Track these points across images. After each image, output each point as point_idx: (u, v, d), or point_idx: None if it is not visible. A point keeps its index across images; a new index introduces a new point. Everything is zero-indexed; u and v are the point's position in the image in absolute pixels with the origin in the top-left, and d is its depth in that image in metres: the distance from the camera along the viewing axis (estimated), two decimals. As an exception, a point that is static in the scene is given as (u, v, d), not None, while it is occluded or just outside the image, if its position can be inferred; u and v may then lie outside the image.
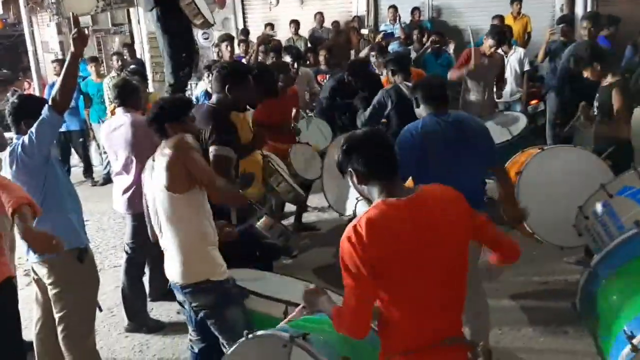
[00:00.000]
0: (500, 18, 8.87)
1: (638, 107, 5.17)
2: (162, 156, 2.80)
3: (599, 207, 3.56)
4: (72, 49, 3.04)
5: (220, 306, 2.83)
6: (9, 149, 3.17)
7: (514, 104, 7.58)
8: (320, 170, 5.24)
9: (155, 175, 2.84)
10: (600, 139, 4.53)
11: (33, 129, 3.02)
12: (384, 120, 5.10)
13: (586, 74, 4.52)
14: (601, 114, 4.44)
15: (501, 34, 6.33)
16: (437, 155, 3.16)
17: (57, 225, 3.06)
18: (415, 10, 10.59)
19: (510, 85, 7.42)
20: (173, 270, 2.85)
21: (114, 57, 9.18)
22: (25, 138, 3.05)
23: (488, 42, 6.19)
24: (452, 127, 3.23)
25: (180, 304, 3.13)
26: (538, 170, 4.19)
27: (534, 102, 7.75)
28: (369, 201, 2.12)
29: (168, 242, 2.86)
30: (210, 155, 3.41)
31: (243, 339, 2.39)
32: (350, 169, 2.08)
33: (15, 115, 3.26)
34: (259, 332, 2.42)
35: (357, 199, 3.89)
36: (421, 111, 3.38)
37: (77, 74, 3.18)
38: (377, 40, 8.83)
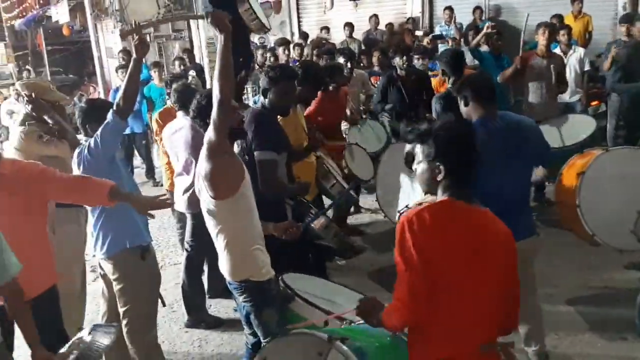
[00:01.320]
0: (559, 17, 8.64)
1: None
2: (203, 160, 2.82)
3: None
4: (134, 55, 3.19)
5: (258, 305, 2.92)
6: (77, 150, 3.36)
7: (574, 105, 7.38)
8: (373, 172, 5.28)
9: (199, 180, 2.90)
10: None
11: (98, 133, 3.19)
12: None
13: None
14: None
15: (550, 25, 6.18)
16: (490, 166, 3.00)
17: (121, 224, 3.24)
18: (476, 9, 10.44)
19: (570, 86, 7.23)
20: (222, 267, 2.96)
21: (176, 62, 9.49)
22: (92, 141, 3.22)
23: (539, 37, 6.06)
24: (501, 134, 3.08)
25: (235, 299, 3.23)
26: (601, 171, 4.10)
27: (594, 103, 7.53)
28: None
29: (215, 241, 2.95)
30: (256, 162, 3.47)
31: (281, 336, 2.45)
32: (438, 163, 2.00)
33: (84, 118, 3.44)
34: (298, 331, 2.48)
35: (407, 206, 3.87)
36: (469, 111, 3.20)
37: (139, 79, 3.31)
38: (425, 42, 8.71)
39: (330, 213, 4.35)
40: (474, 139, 2.05)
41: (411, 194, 4.27)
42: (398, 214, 4.00)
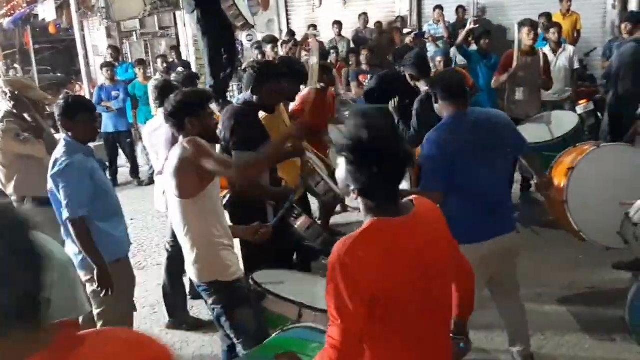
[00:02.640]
0: (548, 15, 8.60)
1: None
2: (173, 159, 2.79)
3: (649, 214, 3.40)
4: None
5: (229, 306, 2.84)
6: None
7: (564, 103, 7.36)
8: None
9: (166, 176, 2.85)
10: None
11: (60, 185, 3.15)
12: None
13: None
14: None
15: (534, 23, 6.17)
16: (465, 161, 2.99)
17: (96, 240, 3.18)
18: (459, 8, 10.41)
19: (560, 84, 7.21)
20: (189, 268, 2.89)
21: (159, 60, 9.40)
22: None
23: (524, 34, 6.04)
24: (475, 127, 3.08)
25: (205, 301, 3.16)
26: (591, 167, 4.07)
27: (583, 101, 7.50)
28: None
29: (181, 242, 2.88)
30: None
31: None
32: (347, 184, 1.84)
33: (61, 116, 3.34)
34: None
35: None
36: (441, 108, 3.21)
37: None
38: (408, 41, 8.61)
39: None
40: (381, 151, 1.81)
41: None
42: None
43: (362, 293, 1.69)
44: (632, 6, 10.03)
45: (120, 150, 9.01)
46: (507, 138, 3.18)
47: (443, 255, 1.90)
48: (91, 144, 3.50)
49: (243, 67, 6.72)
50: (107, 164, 8.51)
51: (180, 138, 2.91)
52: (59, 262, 2.33)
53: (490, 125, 3.14)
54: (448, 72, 3.94)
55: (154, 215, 7.00)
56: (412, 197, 1.96)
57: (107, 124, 8.71)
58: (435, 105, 3.26)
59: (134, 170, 9.03)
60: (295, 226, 3.65)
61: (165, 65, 9.04)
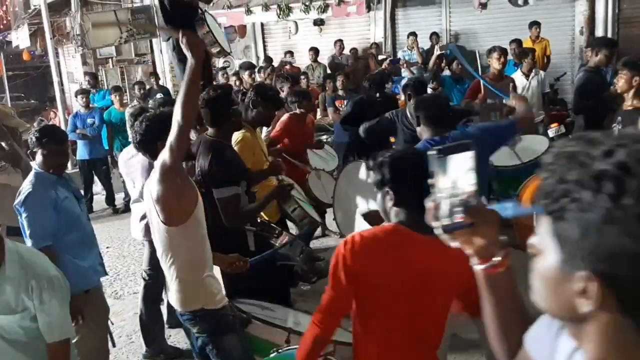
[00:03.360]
0: (518, 42, 8.83)
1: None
2: (153, 185, 2.70)
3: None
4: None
5: (216, 334, 2.80)
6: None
7: (536, 127, 7.50)
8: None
9: (149, 203, 2.78)
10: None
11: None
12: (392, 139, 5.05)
13: (620, 80, 4.26)
14: None
15: (503, 50, 6.33)
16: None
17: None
18: (433, 35, 10.63)
19: (533, 108, 7.38)
20: (172, 297, 2.84)
21: (136, 87, 9.39)
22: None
23: (493, 61, 6.18)
24: None
25: (185, 330, 3.11)
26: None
27: (554, 125, 7.66)
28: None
29: (165, 270, 2.83)
30: (216, 200, 3.37)
31: None
32: (388, 189, 2.02)
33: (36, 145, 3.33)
34: None
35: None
36: (421, 131, 3.28)
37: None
38: (383, 66, 8.81)
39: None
40: (423, 167, 1.94)
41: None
42: None
43: (352, 271, 1.90)
44: (599, 32, 10.36)
45: (95, 178, 8.93)
46: (483, 146, 3.19)
47: (444, 288, 1.97)
48: (66, 172, 3.48)
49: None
50: (83, 191, 8.42)
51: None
52: (58, 281, 2.32)
53: None
54: (432, 97, 3.99)
55: (130, 243, 6.92)
56: None
57: (82, 152, 8.64)
58: (417, 128, 3.32)
59: (110, 198, 8.93)
60: (277, 245, 3.65)
61: (142, 91, 9.03)
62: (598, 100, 5.27)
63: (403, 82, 7.38)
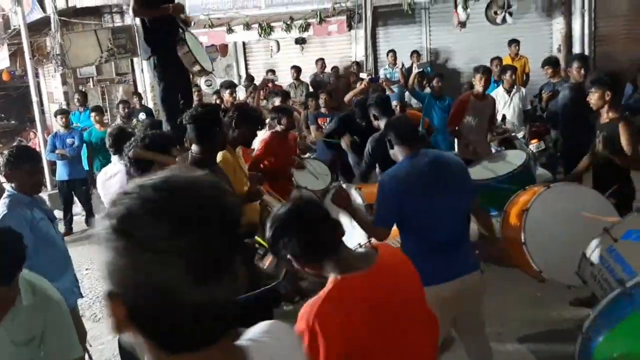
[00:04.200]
0: (499, 60, 8.94)
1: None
2: None
3: (604, 253, 3.45)
4: None
5: None
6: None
7: (518, 142, 7.57)
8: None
9: None
10: (603, 177, 4.49)
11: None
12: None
13: (593, 97, 4.39)
14: (609, 149, 4.36)
15: (487, 70, 6.39)
16: (418, 202, 3.03)
17: None
18: (414, 53, 10.73)
19: (514, 124, 7.48)
20: None
21: (120, 105, 9.33)
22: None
23: (476, 81, 6.26)
24: (430, 168, 3.11)
25: None
26: (544, 208, 4.12)
27: (534, 141, 7.73)
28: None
29: None
30: None
31: None
32: (288, 256, 1.86)
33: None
34: None
35: (359, 244, 3.82)
36: (396, 152, 3.27)
37: None
38: (362, 86, 8.85)
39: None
40: (310, 208, 1.90)
41: (352, 233, 4.21)
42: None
43: (336, 353, 1.69)
44: (577, 49, 10.54)
45: (75, 198, 8.80)
46: (461, 179, 3.22)
47: (412, 299, 1.89)
48: (45, 193, 3.42)
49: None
50: (62, 212, 8.29)
51: None
52: (55, 302, 2.29)
53: (445, 166, 3.18)
54: (399, 118, 4.04)
55: (111, 265, 6.79)
56: (375, 244, 1.96)
57: (62, 172, 8.51)
58: (391, 151, 3.32)
59: (90, 219, 8.79)
60: (262, 266, 3.60)
61: (126, 110, 8.96)
62: (579, 116, 5.36)
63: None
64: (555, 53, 10.78)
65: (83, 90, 11.65)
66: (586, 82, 4.72)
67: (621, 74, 6.67)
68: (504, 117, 7.31)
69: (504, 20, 10.52)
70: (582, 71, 6.00)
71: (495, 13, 10.56)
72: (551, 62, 7.42)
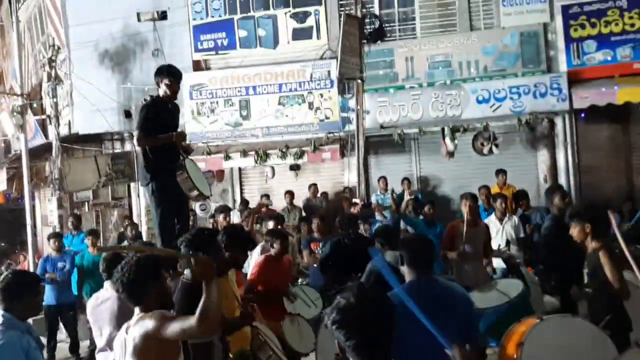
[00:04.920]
0: (485, 188, 9.15)
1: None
2: (133, 336, 2.67)
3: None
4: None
5: None
6: None
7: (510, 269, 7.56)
8: (314, 344, 5.07)
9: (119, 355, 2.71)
10: (596, 307, 4.46)
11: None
12: None
13: (574, 231, 4.36)
14: (596, 281, 4.35)
15: (471, 196, 6.53)
16: (409, 332, 2.85)
17: None
18: (404, 180, 11.04)
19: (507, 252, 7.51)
20: None
21: (128, 228, 9.38)
22: None
23: (462, 208, 6.38)
24: (430, 301, 2.97)
25: None
26: (539, 341, 4.04)
27: (529, 269, 7.72)
28: None
29: None
30: (189, 346, 3.22)
31: None
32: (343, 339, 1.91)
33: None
34: None
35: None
36: (405, 271, 3.24)
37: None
38: (355, 211, 9.02)
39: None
40: (377, 312, 1.96)
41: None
42: None
43: None
44: (562, 179, 10.87)
45: (60, 325, 8.55)
46: (460, 316, 3.15)
47: None
48: (30, 319, 3.36)
49: None
50: (47, 338, 8.01)
51: (137, 311, 2.80)
52: None
53: (449, 300, 3.14)
54: (418, 239, 3.98)
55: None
56: None
57: (49, 296, 8.29)
58: (401, 268, 3.29)
59: (74, 346, 8.50)
60: None
61: (134, 232, 9.02)
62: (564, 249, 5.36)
63: (375, 226, 7.53)
64: (542, 183, 11.10)
65: (78, 213, 11.74)
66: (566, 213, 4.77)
67: (603, 203, 6.81)
68: (508, 242, 7.35)
69: (490, 151, 10.93)
70: (563, 199, 6.12)
71: (482, 144, 10.99)
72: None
